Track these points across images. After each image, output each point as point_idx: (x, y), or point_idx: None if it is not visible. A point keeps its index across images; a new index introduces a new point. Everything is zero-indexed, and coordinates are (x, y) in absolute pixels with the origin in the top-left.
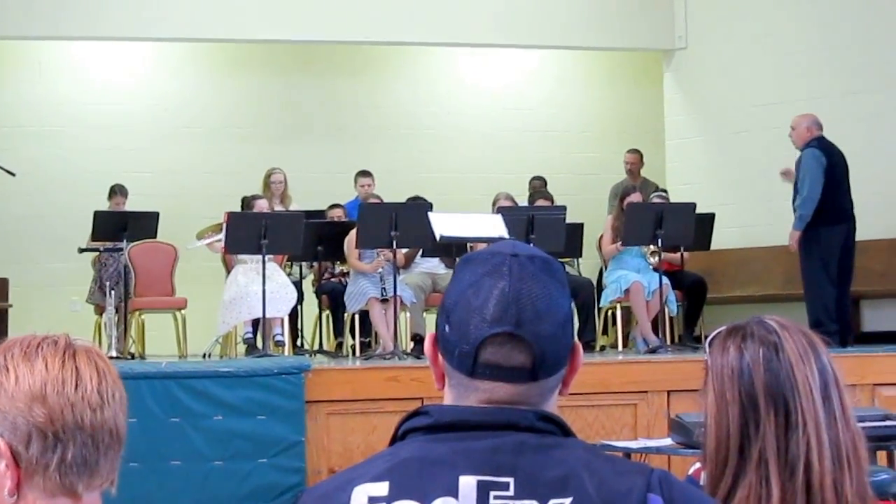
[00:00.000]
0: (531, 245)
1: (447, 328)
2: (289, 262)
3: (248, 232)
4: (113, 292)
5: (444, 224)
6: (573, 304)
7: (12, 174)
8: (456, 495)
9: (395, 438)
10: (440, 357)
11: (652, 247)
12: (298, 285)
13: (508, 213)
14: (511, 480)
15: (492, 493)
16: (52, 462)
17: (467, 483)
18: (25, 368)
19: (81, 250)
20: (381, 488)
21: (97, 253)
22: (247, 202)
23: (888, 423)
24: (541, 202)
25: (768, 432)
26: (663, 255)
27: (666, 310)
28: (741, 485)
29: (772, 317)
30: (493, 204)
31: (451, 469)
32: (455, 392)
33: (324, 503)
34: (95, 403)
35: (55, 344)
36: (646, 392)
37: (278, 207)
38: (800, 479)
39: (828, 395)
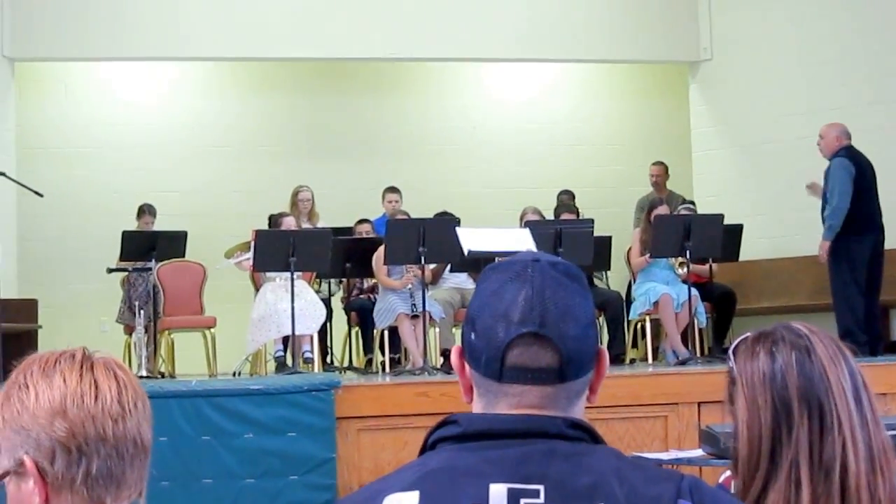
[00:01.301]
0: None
1: (473, 336)
2: (317, 279)
3: (277, 249)
4: (142, 312)
5: (471, 239)
6: (602, 318)
7: (40, 195)
8: None
9: (425, 448)
10: (467, 367)
11: (680, 258)
12: (327, 302)
13: (536, 227)
14: (541, 488)
15: (522, 501)
16: (77, 476)
17: (498, 491)
18: (45, 385)
19: (110, 270)
20: (412, 498)
21: (126, 273)
22: (274, 220)
23: None
24: (565, 216)
25: (801, 436)
26: (692, 266)
27: (695, 322)
28: (772, 489)
29: (798, 322)
30: (521, 218)
31: (481, 478)
32: (484, 400)
33: None
34: (116, 414)
35: (72, 358)
36: (676, 404)
37: (306, 225)
38: (836, 481)
39: (859, 397)
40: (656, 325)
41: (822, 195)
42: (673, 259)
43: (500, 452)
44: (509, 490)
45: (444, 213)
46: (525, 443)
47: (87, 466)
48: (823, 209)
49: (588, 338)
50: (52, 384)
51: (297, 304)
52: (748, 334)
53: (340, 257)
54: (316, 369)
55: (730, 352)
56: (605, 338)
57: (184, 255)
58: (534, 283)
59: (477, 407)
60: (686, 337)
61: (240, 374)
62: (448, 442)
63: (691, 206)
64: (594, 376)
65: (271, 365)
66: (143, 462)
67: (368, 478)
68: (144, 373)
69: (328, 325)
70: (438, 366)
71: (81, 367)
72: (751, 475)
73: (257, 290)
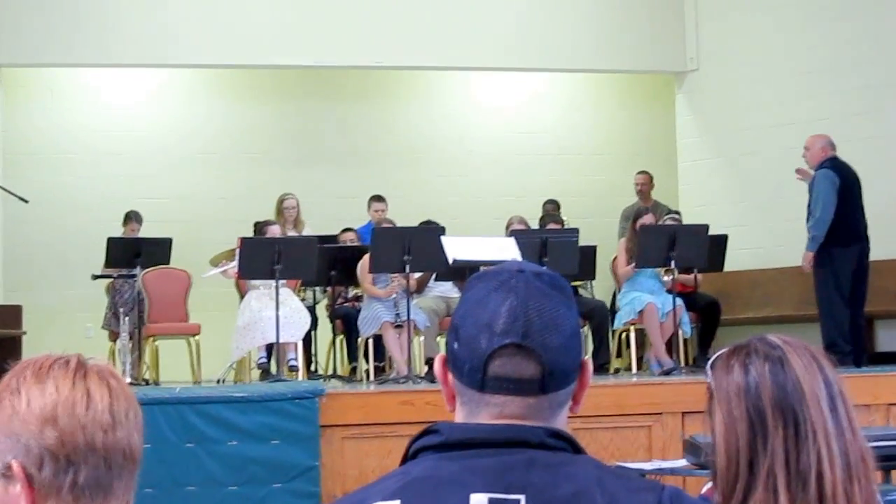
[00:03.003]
0: (543, 267)
1: (456, 345)
2: (302, 287)
3: (262, 257)
4: (127, 318)
5: (457, 248)
6: (587, 327)
7: (25, 201)
8: None
9: (407, 457)
10: (450, 376)
11: (665, 268)
12: (312, 310)
13: (522, 236)
14: (522, 498)
15: None
16: (65, 484)
17: (479, 501)
18: (37, 391)
19: (95, 277)
20: None
21: (111, 279)
22: (259, 228)
23: None
24: (551, 226)
25: (777, 446)
26: (677, 276)
27: (680, 332)
28: (751, 499)
29: (774, 334)
30: (507, 227)
31: (462, 487)
32: (466, 409)
33: None
34: (107, 424)
35: (66, 365)
36: (660, 414)
37: (291, 232)
38: (813, 489)
39: (834, 406)
40: (641, 334)
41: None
42: (658, 268)
43: (481, 462)
44: (490, 500)
45: (430, 222)
46: (506, 452)
47: (75, 475)
48: (808, 220)
49: (572, 349)
50: (44, 391)
51: (282, 312)
52: (724, 349)
53: (326, 265)
54: (300, 377)
55: (708, 366)
56: (590, 347)
57: (169, 262)
58: (518, 293)
59: (459, 416)
60: (671, 347)
61: (224, 381)
62: (430, 451)
63: (676, 216)
64: (577, 387)
65: (256, 372)
66: (132, 472)
67: (352, 486)
68: (129, 379)
69: (313, 332)
70: (423, 374)
71: (75, 374)
72: (730, 487)
73: (242, 297)
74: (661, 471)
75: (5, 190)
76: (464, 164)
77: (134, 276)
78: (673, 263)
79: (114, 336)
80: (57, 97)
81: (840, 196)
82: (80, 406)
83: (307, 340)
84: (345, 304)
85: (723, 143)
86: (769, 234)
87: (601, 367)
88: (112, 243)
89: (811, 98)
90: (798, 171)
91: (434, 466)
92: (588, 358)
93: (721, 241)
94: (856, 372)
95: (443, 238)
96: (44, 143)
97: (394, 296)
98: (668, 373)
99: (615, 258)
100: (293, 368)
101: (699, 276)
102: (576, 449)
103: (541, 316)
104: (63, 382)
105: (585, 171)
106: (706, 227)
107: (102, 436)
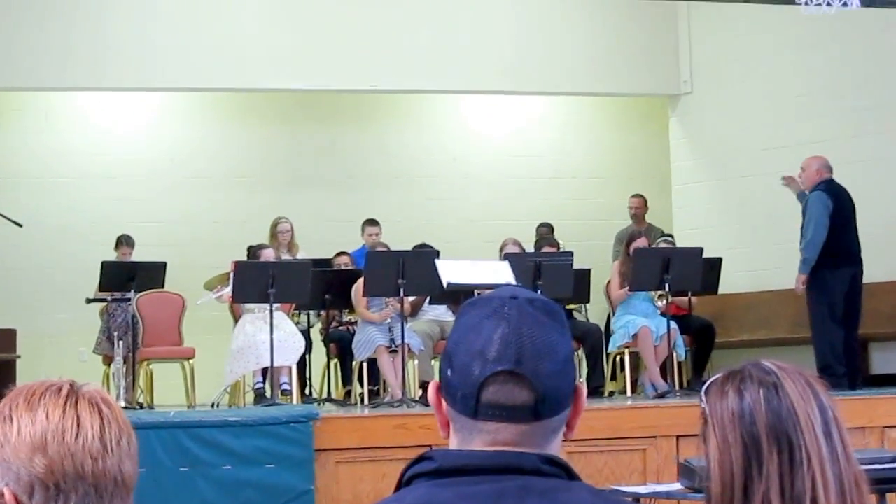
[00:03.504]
0: (537, 291)
1: (450, 372)
2: (296, 311)
3: (256, 281)
4: (121, 342)
5: (451, 271)
6: (582, 350)
7: (19, 225)
8: None
9: (401, 484)
10: (444, 403)
11: (660, 291)
12: (306, 334)
13: (515, 259)
14: None
15: None
16: None
17: None
18: (28, 419)
19: (89, 301)
20: None
21: (105, 303)
22: (253, 252)
23: None
24: (546, 249)
25: (772, 472)
26: (671, 299)
27: (674, 354)
28: None
29: (768, 360)
30: (501, 250)
31: None
32: (460, 436)
33: None
34: (97, 452)
35: (58, 392)
36: (655, 437)
37: (285, 256)
38: None
39: (829, 432)
40: (635, 357)
41: (798, 196)
42: (652, 292)
43: (475, 489)
44: None
45: (424, 246)
46: (500, 479)
47: (65, 503)
48: (801, 242)
49: (565, 375)
50: (34, 418)
51: (276, 336)
52: (718, 374)
53: (320, 289)
54: (294, 401)
55: (702, 392)
56: (584, 370)
57: (163, 286)
58: (510, 320)
59: (453, 443)
60: (665, 370)
61: (218, 405)
62: (424, 478)
63: (670, 239)
64: (572, 413)
65: (250, 396)
66: (125, 499)
67: None
68: (123, 403)
69: (307, 356)
70: (417, 398)
71: (66, 402)
72: None
73: (236, 321)
74: (655, 494)
75: None
76: (458, 188)
77: (128, 299)
78: (667, 286)
79: (108, 360)
80: (51, 121)
81: (833, 219)
82: (69, 434)
83: (301, 364)
84: (339, 328)
85: (717, 165)
86: (763, 257)
87: (595, 391)
88: (106, 267)
89: (806, 120)
90: (784, 177)
91: (428, 493)
92: (582, 383)
93: (715, 263)
94: (850, 394)
95: (437, 261)
96: (38, 166)
97: (388, 320)
98: (662, 396)
99: (609, 281)
100: (285, 393)
101: (693, 298)
102: (570, 475)
103: (533, 343)
104: (53, 410)
105: (579, 194)
106: (700, 250)
107: (92, 463)
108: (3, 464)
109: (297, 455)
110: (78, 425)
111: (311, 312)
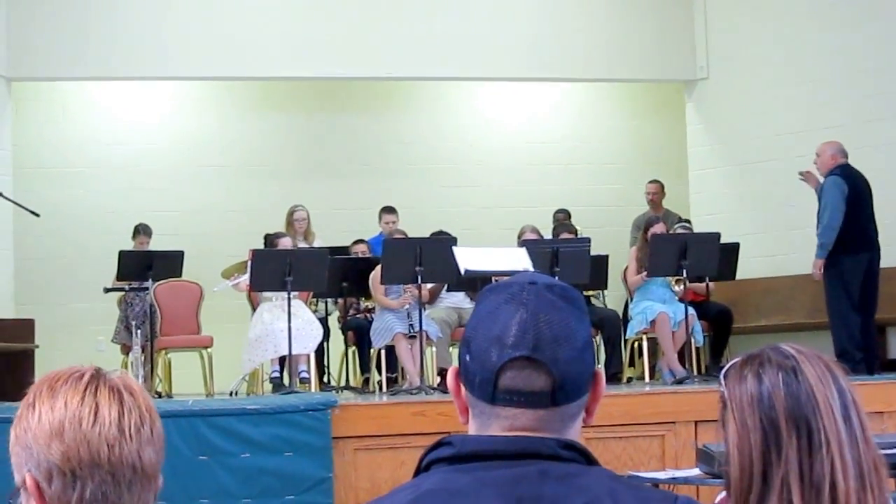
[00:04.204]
0: (555, 278)
1: (468, 357)
2: (314, 299)
3: (273, 269)
4: (139, 331)
5: (468, 258)
6: (600, 336)
7: (36, 215)
8: None
9: (419, 470)
10: (462, 388)
11: (677, 277)
12: (324, 322)
13: (533, 246)
14: None
15: None
16: (72, 499)
17: None
18: (48, 406)
19: (107, 290)
20: None
21: (122, 293)
22: (270, 240)
23: None
24: (564, 236)
25: (791, 456)
26: (688, 285)
27: (692, 340)
28: None
29: (787, 343)
30: (518, 237)
31: (474, 499)
32: (478, 422)
33: None
34: (113, 439)
35: (79, 379)
36: (673, 423)
37: (302, 244)
38: (826, 499)
39: (848, 415)
40: (653, 343)
41: (816, 190)
42: (670, 277)
43: (493, 474)
44: None
45: (441, 233)
46: (519, 464)
47: (81, 491)
48: (817, 227)
49: (583, 361)
50: (54, 406)
51: (294, 324)
52: (737, 358)
53: (337, 277)
54: (313, 388)
55: (721, 376)
56: (602, 356)
57: (181, 275)
58: (528, 306)
59: (472, 428)
60: (683, 355)
61: (237, 393)
62: (442, 463)
63: (687, 225)
64: (590, 398)
65: (268, 384)
66: (145, 487)
67: (365, 497)
68: None
69: (325, 344)
70: (435, 385)
71: (86, 389)
72: (744, 497)
73: (254, 309)
74: (674, 480)
75: (16, 204)
76: (475, 175)
77: (146, 288)
78: (685, 272)
79: (126, 349)
80: (68, 111)
81: (849, 203)
82: (86, 422)
83: (319, 352)
84: (357, 316)
85: (733, 151)
86: (781, 242)
87: (613, 377)
88: (124, 256)
89: (822, 105)
90: (801, 172)
91: (446, 479)
92: (601, 369)
93: (733, 249)
94: (868, 379)
95: (454, 248)
96: (55, 157)
97: (406, 307)
98: (680, 382)
99: (626, 267)
100: (304, 381)
101: (711, 284)
102: (589, 460)
103: (551, 328)
104: (72, 397)
105: (596, 180)
106: (717, 235)
107: (108, 451)
108: (27, 450)
109: (315, 443)
110: (95, 413)
111: (329, 300)
